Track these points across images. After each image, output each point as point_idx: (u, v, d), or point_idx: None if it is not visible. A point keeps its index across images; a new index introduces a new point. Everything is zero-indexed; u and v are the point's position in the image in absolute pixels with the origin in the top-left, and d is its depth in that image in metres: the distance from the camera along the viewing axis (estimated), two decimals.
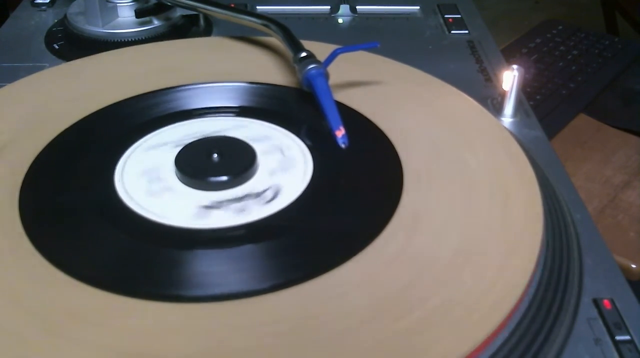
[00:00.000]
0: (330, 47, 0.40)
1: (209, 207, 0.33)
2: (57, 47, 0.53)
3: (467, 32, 0.57)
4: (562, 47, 0.76)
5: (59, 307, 0.27)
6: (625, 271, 0.44)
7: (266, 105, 0.42)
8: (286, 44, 0.43)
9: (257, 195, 0.34)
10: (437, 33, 0.58)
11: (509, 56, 0.71)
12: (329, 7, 0.61)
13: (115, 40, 0.52)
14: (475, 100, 0.42)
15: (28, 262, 0.29)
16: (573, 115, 0.65)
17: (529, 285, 0.29)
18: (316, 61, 0.39)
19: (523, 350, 0.27)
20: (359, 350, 0.25)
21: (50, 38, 0.54)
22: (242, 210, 0.33)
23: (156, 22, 0.53)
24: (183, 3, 0.51)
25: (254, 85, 0.43)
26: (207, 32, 0.56)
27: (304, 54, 0.40)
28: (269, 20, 0.46)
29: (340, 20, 0.60)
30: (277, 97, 0.42)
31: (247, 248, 0.31)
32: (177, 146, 0.37)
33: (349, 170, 0.36)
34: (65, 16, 0.55)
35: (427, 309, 0.27)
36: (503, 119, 0.45)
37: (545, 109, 0.64)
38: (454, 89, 0.43)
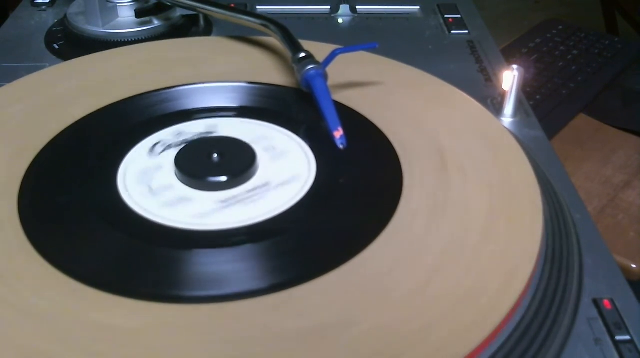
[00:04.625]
0: (330, 47, 0.40)
1: (209, 207, 0.33)
2: (57, 47, 0.53)
3: (467, 32, 0.57)
4: (562, 47, 0.76)
5: (58, 307, 0.27)
6: (625, 271, 0.44)
7: (266, 105, 0.42)
8: (285, 44, 0.43)
9: (258, 195, 0.34)
10: (437, 33, 0.58)
11: (509, 56, 0.71)
12: (329, 7, 0.61)
13: (115, 40, 0.52)
14: (475, 100, 0.42)
15: (27, 263, 0.29)
16: (573, 115, 0.65)
17: (528, 285, 0.29)
18: (315, 61, 0.39)
19: (523, 350, 0.27)
20: (359, 349, 0.25)
21: (50, 38, 0.54)
22: (243, 211, 0.33)
23: (156, 22, 0.53)
24: (183, 3, 0.51)
25: (253, 85, 0.43)
26: (207, 32, 0.56)
27: (302, 55, 0.40)
28: (268, 20, 0.46)
29: (340, 20, 0.60)
30: (277, 97, 0.42)
31: (247, 248, 0.31)
32: (177, 146, 0.37)
33: (348, 170, 0.36)
34: (65, 16, 0.55)
35: (427, 309, 0.27)
36: (503, 119, 0.45)
37: (545, 109, 0.64)
38: (454, 89, 0.43)
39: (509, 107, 0.44)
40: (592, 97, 0.68)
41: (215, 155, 0.35)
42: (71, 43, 0.53)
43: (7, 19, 0.58)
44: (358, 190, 0.35)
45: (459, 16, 0.60)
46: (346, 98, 0.41)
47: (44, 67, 0.49)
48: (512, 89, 0.44)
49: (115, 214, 0.33)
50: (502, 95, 0.45)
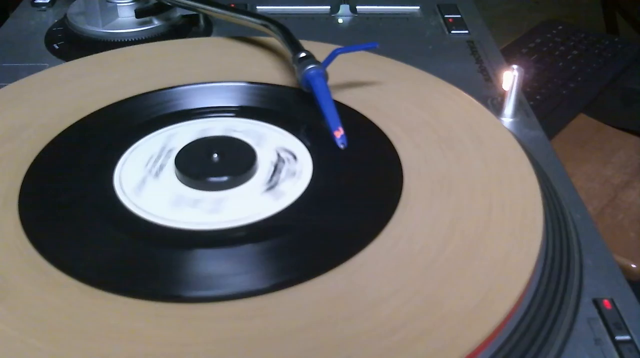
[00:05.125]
0: (330, 47, 0.40)
1: (209, 208, 0.33)
2: (57, 47, 0.53)
3: (467, 32, 0.57)
4: (562, 47, 0.76)
5: (58, 307, 0.27)
6: (625, 271, 0.44)
7: (266, 105, 0.42)
8: (285, 44, 0.43)
9: (257, 195, 0.34)
10: (437, 33, 0.58)
11: (509, 56, 0.71)
12: (329, 7, 0.61)
13: (115, 40, 0.52)
14: (476, 100, 0.42)
15: (27, 262, 0.29)
16: (573, 115, 0.65)
17: (528, 285, 0.29)
18: (315, 61, 0.39)
19: (523, 350, 0.27)
20: (359, 349, 0.25)
21: (50, 38, 0.54)
22: (242, 210, 0.33)
23: (156, 22, 0.53)
24: (183, 3, 0.51)
25: (254, 85, 0.43)
26: (207, 32, 0.56)
27: (303, 54, 0.40)
28: (269, 20, 0.46)
29: (340, 20, 0.60)
30: (277, 97, 0.42)
31: (247, 248, 0.31)
32: (177, 146, 0.37)
33: (348, 170, 0.36)
34: (65, 16, 0.55)
35: (427, 309, 0.27)
36: (503, 119, 0.45)
37: (545, 109, 0.64)
38: (454, 88, 0.43)
39: (509, 107, 0.44)
40: (592, 97, 0.68)
41: (215, 155, 0.35)
42: (71, 43, 0.53)
43: (7, 19, 0.58)
44: (358, 190, 0.35)
45: (459, 16, 0.60)
46: (346, 98, 0.41)
47: (44, 67, 0.49)
48: (512, 89, 0.44)
49: (116, 214, 0.33)
50: (502, 95, 0.45)
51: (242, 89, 0.43)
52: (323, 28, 0.58)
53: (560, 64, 0.72)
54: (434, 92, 0.42)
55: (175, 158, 0.36)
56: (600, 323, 0.29)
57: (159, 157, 0.37)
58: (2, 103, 0.41)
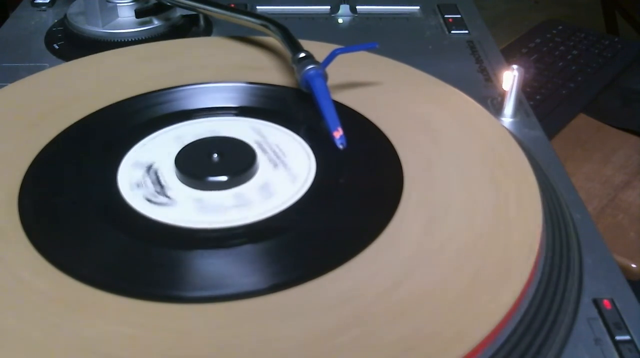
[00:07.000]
0: (330, 47, 0.40)
1: (208, 208, 0.33)
2: (57, 47, 0.53)
3: (467, 32, 0.57)
4: (562, 47, 0.76)
5: (58, 307, 0.27)
6: (625, 271, 0.44)
7: (266, 105, 0.42)
8: (285, 44, 0.43)
9: (258, 195, 0.34)
10: (437, 33, 0.58)
11: (509, 56, 0.71)
12: (329, 7, 0.61)
13: (115, 40, 0.52)
14: (475, 100, 0.42)
15: (28, 262, 0.29)
16: (573, 115, 0.65)
17: (528, 285, 0.29)
18: (315, 62, 0.39)
19: (523, 350, 0.27)
20: (358, 349, 0.25)
21: (50, 38, 0.54)
22: (242, 210, 0.33)
23: (156, 22, 0.53)
24: (183, 3, 0.51)
25: (253, 85, 0.43)
26: (207, 32, 0.56)
27: (302, 55, 0.40)
28: (268, 20, 0.46)
29: (340, 20, 0.60)
30: (277, 97, 0.42)
31: (247, 248, 0.31)
32: (177, 146, 0.37)
33: (348, 170, 0.36)
34: (65, 16, 0.55)
35: (426, 309, 0.27)
36: (503, 119, 0.45)
37: (545, 109, 0.64)
38: (453, 89, 0.43)
39: (509, 107, 0.44)
40: (592, 97, 0.68)
41: (215, 155, 0.35)
42: (71, 43, 0.53)
43: (7, 19, 0.58)
44: (358, 190, 0.35)
45: (459, 16, 0.60)
46: (346, 98, 0.41)
47: (44, 67, 0.49)
48: (512, 89, 0.44)
49: (116, 214, 0.33)
50: (502, 95, 0.45)
51: (242, 89, 0.43)
52: (323, 28, 0.58)
53: (560, 64, 0.72)
54: (434, 93, 0.42)
55: (175, 159, 0.36)
56: (600, 323, 0.29)
57: (157, 159, 0.37)
58: (2, 103, 0.41)
